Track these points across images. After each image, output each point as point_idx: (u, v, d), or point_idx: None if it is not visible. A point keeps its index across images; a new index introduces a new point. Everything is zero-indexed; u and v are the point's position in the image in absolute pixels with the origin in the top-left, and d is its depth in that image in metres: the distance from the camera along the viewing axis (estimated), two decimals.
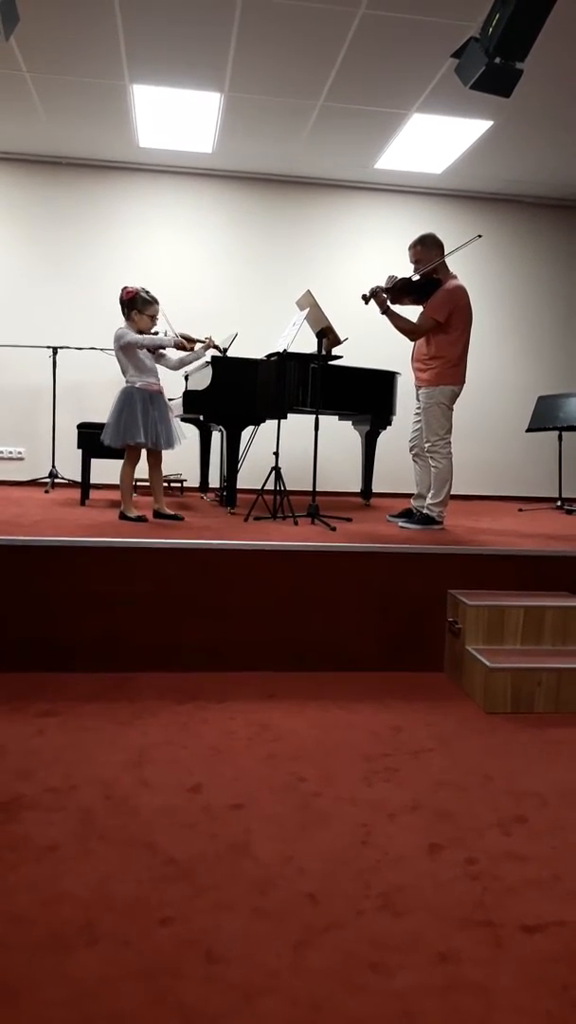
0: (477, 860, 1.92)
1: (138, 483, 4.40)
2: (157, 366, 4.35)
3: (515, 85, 3.58)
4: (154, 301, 4.29)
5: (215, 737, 2.63)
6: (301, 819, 2.08)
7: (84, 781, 2.25)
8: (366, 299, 4.36)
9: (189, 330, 4.51)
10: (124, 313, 4.29)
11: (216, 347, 4.56)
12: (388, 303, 4.33)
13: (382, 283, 4.41)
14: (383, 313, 4.35)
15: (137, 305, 4.24)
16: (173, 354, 4.40)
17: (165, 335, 4.42)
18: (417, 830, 2.06)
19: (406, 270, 4.46)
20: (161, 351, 4.34)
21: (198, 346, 4.40)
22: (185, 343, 4.29)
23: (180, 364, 4.45)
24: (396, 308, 4.40)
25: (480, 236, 4.55)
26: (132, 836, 1.95)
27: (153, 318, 4.31)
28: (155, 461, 4.41)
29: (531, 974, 1.51)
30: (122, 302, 4.28)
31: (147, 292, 4.28)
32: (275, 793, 2.23)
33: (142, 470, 4.41)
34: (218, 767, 2.39)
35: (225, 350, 4.79)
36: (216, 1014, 1.36)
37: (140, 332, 4.27)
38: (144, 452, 4.34)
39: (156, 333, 4.41)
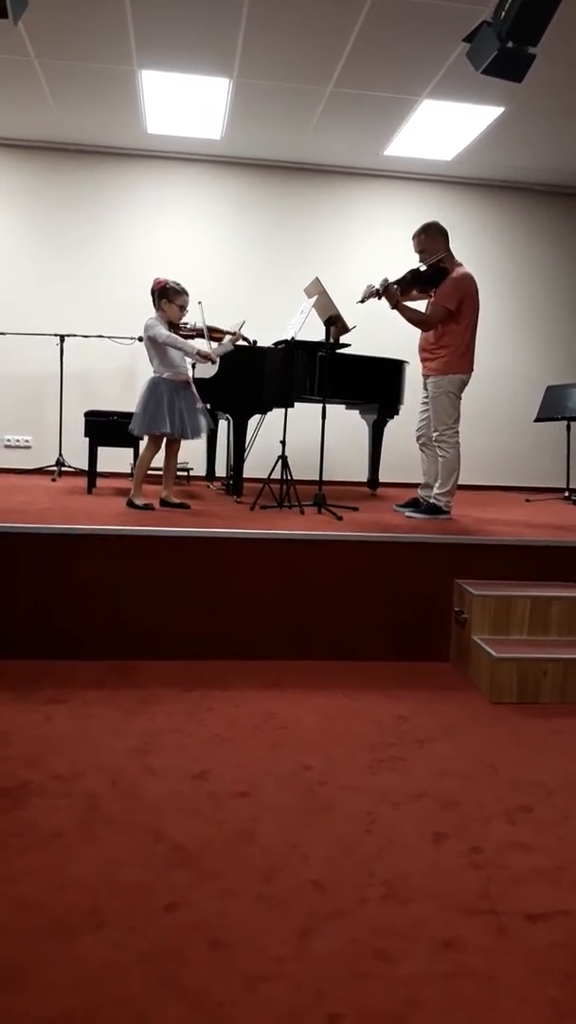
0: (482, 849, 1.92)
1: (149, 470, 4.43)
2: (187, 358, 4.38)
3: (527, 70, 3.53)
4: (184, 292, 4.33)
5: (221, 725, 2.63)
6: (306, 807, 2.09)
7: (90, 768, 2.26)
8: (378, 294, 4.33)
9: (195, 318, 4.50)
10: (154, 303, 4.34)
11: (245, 339, 4.57)
12: (398, 296, 4.31)
13: (388, 277, 4.36)
14: (394, 308, 4.32)
15: (168, 295, 4.29)
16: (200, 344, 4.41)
17: (195, 326, 4.46)
18: (422, 819, 2.06)
19: (415, 257, 4.43)
20: (184, 353, 4.33)
21: (227, 339, 4.44)
22: (211, 355, 4.30)
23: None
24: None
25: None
26: (138, 822, 1.96)
27: (183, 308, 4.35)
28: (173, 449, 4.47)
29: (535, 963, 1.51)
30: (153, 292, 4.34)
31: (177, 283, 4.33)
32: (280, 781, 2.24)
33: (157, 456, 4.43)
34: (223, 755, 2.40)
35: (255, 342, 4.78)
36: (220, 999, 1.37)
37: (170, 322, 4.31)
38: (164, 439, 4.37)
39: (186, 324, 4.45)
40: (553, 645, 3.24)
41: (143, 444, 4.51)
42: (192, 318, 4.48)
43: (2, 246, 6.74)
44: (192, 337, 4.45)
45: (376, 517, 4.32)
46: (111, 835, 1.90)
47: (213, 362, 4.33)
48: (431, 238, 4.33)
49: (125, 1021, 1.32)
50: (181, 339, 4.29)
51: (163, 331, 4.21)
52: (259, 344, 4.83)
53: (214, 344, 4.42)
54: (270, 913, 1.62)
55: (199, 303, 4.40)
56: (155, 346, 4.26)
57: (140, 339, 4.38)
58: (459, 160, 6.67)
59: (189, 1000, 1.37)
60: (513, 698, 3.02)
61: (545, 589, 3.43)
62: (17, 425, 6.81)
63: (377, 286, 4.33)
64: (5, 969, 1.42)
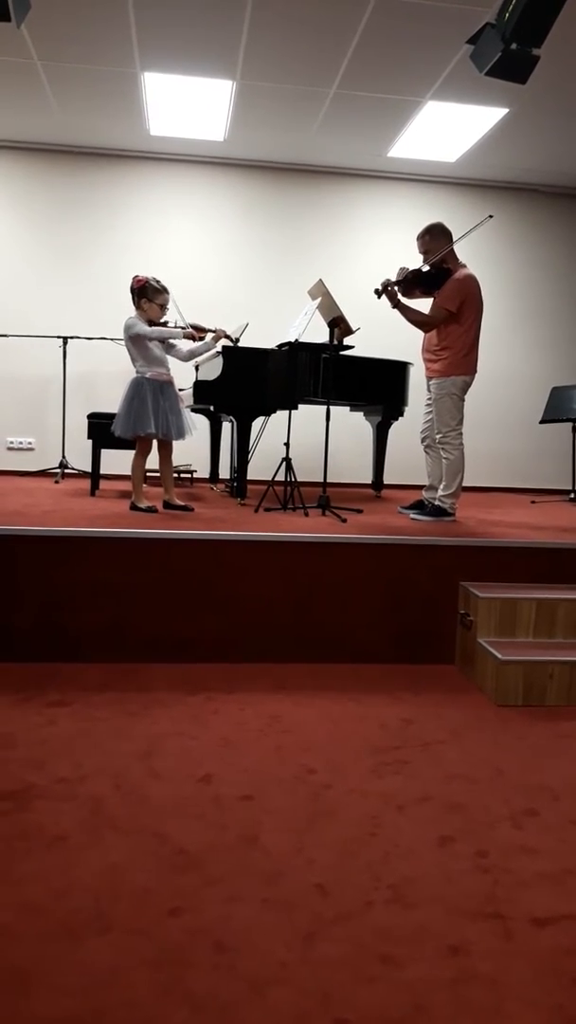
0: (488, 853, 1.91)
1: (148, 473, 4.41)
2: (168, 356, 4.35)
3: (531, 71, 3.53)
4: (164, 290, 4.29)
5: (225, 728, 2.63)
6: (311, 810, 2.08)
7: (94, 771, 2.26)
8: (378, 294, 4.33)
9: (200, 320, 4.50)
10: (134, 302, 4.30)
11: (228, 337, 4.55)
12: (399, 296, 4.30)
13: (392, 276, 4.37)
14: (394, 307, 4.32)
15: (147, 294, 4.25)
16: (183, 345, 4.40)
17: (175, 325, 4.41)
18: (427, 822, 2.05)
19: (418, 260, 4.42)
20: (171, 343, 4.34)
21: (209, 336, 4.39)
22: (195, 334, 4.28)
23: (191, 355, 4.44)
24: (407, 300, 4.37)
25: (491, 216, 4.49)
26: (142, 826, 1.96)
27: (163, 307, 4.31)
28: (165, 452, 4.42)
29: (541, 967, 1.50)
30: (132, 290, 4.30)
31: (157, 281, 4.28)
32: (285, 784, 2.23)
33: (153, 460, 4.41)
34: (228, 758, 2.39)
35: (237, 340, 4.78)
36: (225, 1003, 1.37)
37: (150, 321, 4.27)
38: (155, 442, 4.34)
39: (166, 323, 4.40)
40: (559, 647, 3.23)
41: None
42: (171, 317, 4.44)
43: (5, 248, 6.76)
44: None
45: (381, 519, 4.31)
46: (115, 839, 1.90)
47: (194, 340, 4.29)
48: (434, 239, 4.33)
49: None
50: (166, 329, 4.28)
51: (145, 327, 4.20)
52: (240, 343, 4.81)
53: (196, 343, 4.38)
54: (275, 917, 1.62)
55: (172, 300, 4.35)
56: (138, 346, 4.22)
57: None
58: (463, 162, 6.67)
59: (194, 1004, 1.36)
60: (519, 701, 3.01)
61: (551, 591, 3.42)
62: (20, 427, 6.82)
63: (379, 285, 4.33)
64: (10, 973, 1.42)
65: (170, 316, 4.41)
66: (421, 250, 4.39)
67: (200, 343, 4.36)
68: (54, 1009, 1.34)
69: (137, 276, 4.30)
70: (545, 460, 7.36)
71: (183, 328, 4.33)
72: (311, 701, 2.93)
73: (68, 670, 3.14)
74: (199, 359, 4.80)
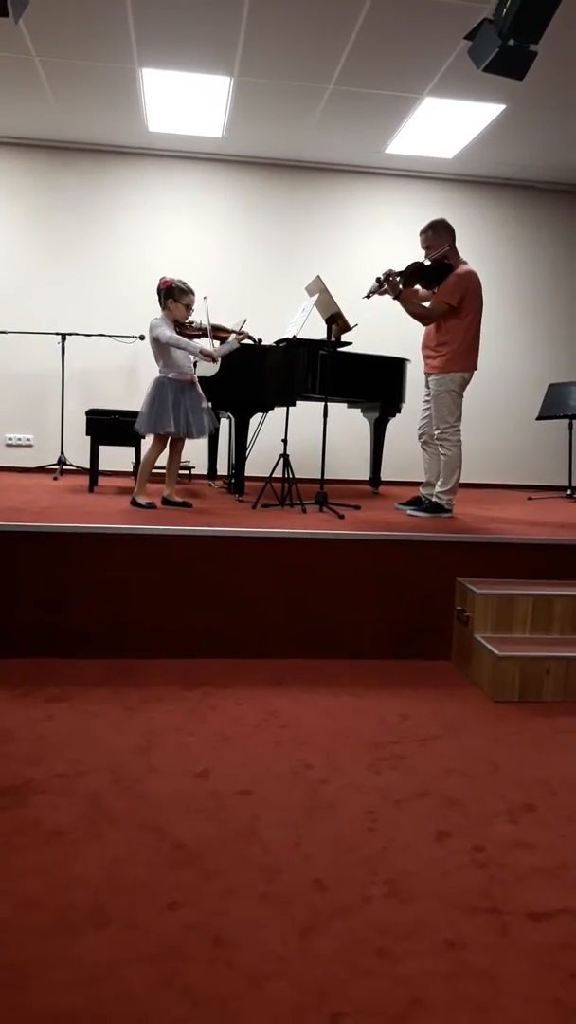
0: (484, 848, 1.92)
1: (154, 470, 4.44)
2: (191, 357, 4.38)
3: (529, 67, 3.52)
4: (190, 291, 4.35)
5: (223, 723, 2.63)
6: (308, 805, 2.09)
7: (93, 766, 2.27)
8: (379, 283, 4.32)
9: (200, 315, 4.50)
10: (160, 302, 4.36)
11: (250, 337, 4.58)
12: (401, 288, 4.30)
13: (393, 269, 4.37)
14: (396, 298, 4.31)
15: (173, 294, 4.31)
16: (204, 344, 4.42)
17: (199, 324, 4.47)
18: (424, 817, 2.06)
19: (416, 256, 4.42)
20: (188, 352, 4.33)
21: (232, 337, 4.45)
22: (213, 354, 4.29)
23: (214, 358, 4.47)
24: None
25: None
26: (140, 821, 1.96)
27: (188, 307, 4.38)
28: (177, 448, 4.50)
29: (538, 961, 1.51)
30: (159, 291, 4.36)
31: (183, 283, 4.35)
32: (282, 779, 2.24)
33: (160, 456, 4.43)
34: (226, 753, 2.40)
35: (259, 340, 4.78)
36: (223, 997, 1.37)
37: (176, 321, 4.33)
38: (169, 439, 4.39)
39: (191, 322, 4.47)
40: (555, 643, 3.24)
41: (145, 443, 4.51)
42: (197, 315, 4.48)
43: (3, 245, 6.74)
44: (197, 336, 4.45)
45: (378, 516, 4.32)
46: (113, 833, 1.90)
47: (215, 361, 4.33)
48: (437, 234, 4.32)
49: (128, 1019, 1.32)
50: (184, 339, 4.29)
51: (166, 331, 4.22)
52: (263, 343, 4.83)
53: (217, 343, 4.42)
54: (272, 911, 1.62)
55: (204, 298, 4.40)
56: (159, 346, 4.27)
57: (142, 337, 4.39)
58: (460, 158, 6.66)
59: (192, 998, 1.37)
60: (515, 697, 3.02)
61: (547, 587, 3.43)
62: (19, 424, 6.81)
63: (380, 275, 4.32)
64: (8, 967, 1.42)
65: (196, 316, 4.45)
66: (423, 245, 4.38)
67: (223, 344, 4.40)
68: (52, 1003, 1.35)
69: (163, 277, 4.38)
70: (542, 456, 7.37)
71: (204, 329, 4.37)
72: (308, 697, 2.94)
73: (66, 665, 3.14)
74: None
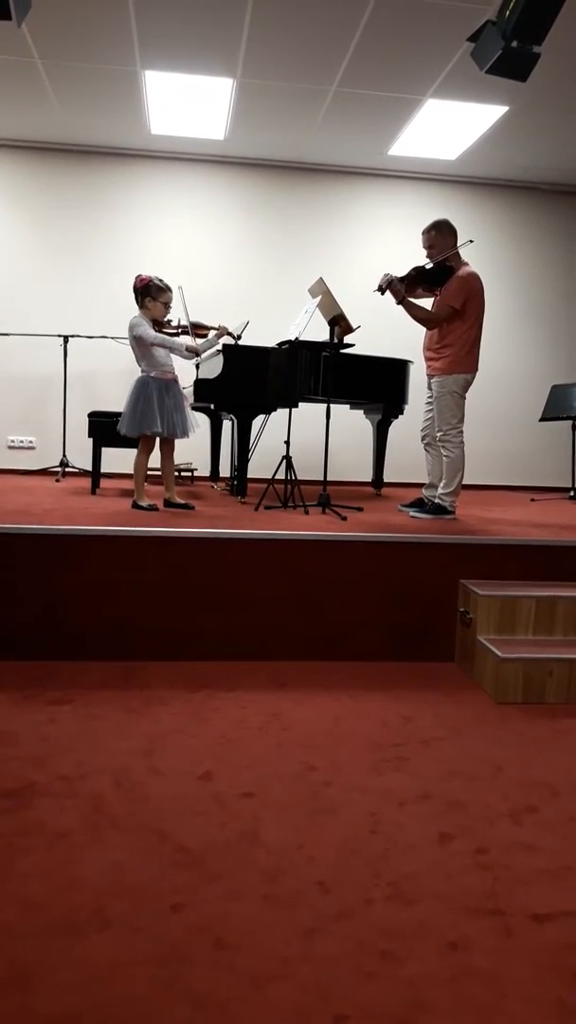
0: (487, 850, 1.92)
1: (149, 471, 4.42)
2: (171, 355, 4.36)
3: (532, 69, 3.53)
4: (167, 289, 4.30)
5: (225, 726, 2.63)
6: (311, 808, 2.09)
7: (96, 769, 2.27)
8: (381, 290, 4.33)
9: (201, 317, 4.50)
10: (138, 301, 4.31)
11: (230, 334, 4.55)
12: (403, 292, 4.30)
13: (394, 273, 4.37)
14: (399, 303, 4.31)
15: (151, 292, 4.26)
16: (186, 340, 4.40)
17: (178, 322, 4.43)
18: (427, 819, 2.06)
19: (419, 256, 4.42)
20: (171, 350, 4.33)
21: (211, 334, 4.41)
22: (197, 351, 4.28)
23: (194, 354, 4.45)
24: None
25: (472, 241, 4.50)
26: (143, 823, 1.96)
27: (167, 305, 4.33)
28: (168, 450, 4.44)
29: (541, 963, 1.51)
30: (136, 290, 4.30)
31: (160, 280, 4.29)
32: (285, 782, 2.24)
33: (154, 459, 4.41)
34: (228, 755, 2.40)
35: (238, 337, 4.78)
36: (226, 999, 1.37)
37: (154, 319, 4.29)
38: (157, 440, 4.35)
39: (170, 320, 4.42)
40: (559, 645, 3.23)
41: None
42: (175, 307, 4.43)
43: (6, 247, 6.76)
44: (177, 334, 4.43)
45: (381, 517, 4.31)
46: (116, 836, 1.90)
47: (198, 355, 4.31)
48: (440, 235, 4.33)
49: (130, 1021, 1.32)
50: (169, 337, 4.28)
51: (150, 331, 4.20)
52: (241, 341, 4.80)
53: (199, 340, 4.39)
54: (275, 914, 1.62)
55: (179, 287, 4.36)
56: (141, 345, 4.24)
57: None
58: (463, 159, 6.67)
59: (194, 1000, 1.37)
60: (518, 698, 3.02)
61: (550, 589, 3.42)
62: (21, 426, 6.83)
63: (382, 281, 4.32)
64: (11, 969, 1.42)
65: (174, 312, 4.42)
66: (426, 245, 4.38)
67: (203, 340, 4.37)
68: (55, 1005, 1.35)
69: (140, 275, 4.31)
70: (545, 458, 7.37)
71: (184, 327, 4.34)
72: (311, 699, 2.93)
73: (69, 668, 3.15)
74: (202, 356, 4.81)
